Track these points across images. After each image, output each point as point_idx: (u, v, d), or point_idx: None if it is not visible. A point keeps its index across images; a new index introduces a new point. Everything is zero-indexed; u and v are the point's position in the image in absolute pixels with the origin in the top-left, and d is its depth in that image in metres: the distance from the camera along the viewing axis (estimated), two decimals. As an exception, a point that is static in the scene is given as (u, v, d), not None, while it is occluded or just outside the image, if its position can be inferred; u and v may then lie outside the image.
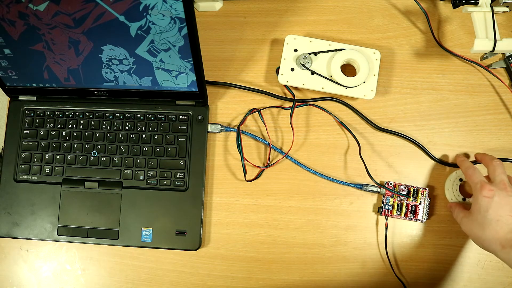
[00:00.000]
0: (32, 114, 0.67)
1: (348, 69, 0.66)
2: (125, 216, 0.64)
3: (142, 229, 0.63)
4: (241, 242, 0.65)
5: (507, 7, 0.61)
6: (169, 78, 0.60)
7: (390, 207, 0.63)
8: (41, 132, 0.66)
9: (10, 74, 0.62)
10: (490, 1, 0.59)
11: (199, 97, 0.64)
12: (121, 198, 0.64)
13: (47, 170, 0.66)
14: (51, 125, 0.66)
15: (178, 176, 0.64)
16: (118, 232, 0.64)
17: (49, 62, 0.60)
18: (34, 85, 0.64)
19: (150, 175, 0.65)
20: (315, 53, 0.64)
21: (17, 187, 0.66)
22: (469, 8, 0.59)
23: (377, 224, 0.64)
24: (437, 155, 0.65)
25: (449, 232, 0.64)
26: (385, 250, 0.63)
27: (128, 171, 0.65)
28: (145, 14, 0.51)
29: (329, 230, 0.65)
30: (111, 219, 0.64)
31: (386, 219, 0.63)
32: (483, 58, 0.64)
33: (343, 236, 0.64)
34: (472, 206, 0.56)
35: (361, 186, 0.64)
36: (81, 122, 0.66)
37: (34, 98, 0.67)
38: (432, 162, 0.65)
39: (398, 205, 0.63)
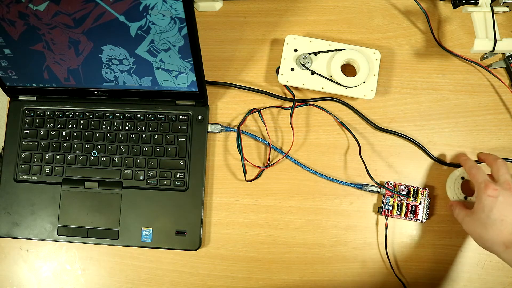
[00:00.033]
0: (32, 114, 0.67)
1: (348, 69, 0.66)
2: (125, 216, 0.64)
3: (142, 229, 0.63)
4: (241, 242, 0.65)
5: (507, 7, 0.61)
6: (169, 78, 0.60)
7: (390, 207, 0.63)
8: (41, 132, 0.66)
9: (10, 74, 0.62)
10: (490, 1, 0.59)
11: (199, 97, 0.64)
12: (121, 198, 0.64)
13: (47, 170, 0.66)
14: (51, 125, 0.66)
15: (178, 176, 0.64)
16: (118, 232, 0.64)
17: (49, 62, 0.60)
18: (34, 85, 0.64)
19: (150, 175, 0.65)
20: (315, 53, 0.64)
21: (17, 187, 0.66)
22: (469, 8, 0.59)
23: (377, 224, 0.64)
24: (437, 155, 0.65)
25: (449, 232, 0.64)
26: (385, 250, 0.63)
27: (128, 171, 0.65)
28: (145, 14, 0.51)
29: (329, 230, 0.65)
30: (111, 219, 0.64)
31: (386, 219, 0.63)
32: (483, 58, 0.64)
33: (343, 236, 0.64)
34: (476, 205, 0.56)
35: (361, 186, 0.64)
36: (81, 122, 0.66)
37: (34, 98, 0.67)
38: (432, 162, 0.65)
39: (398, 205, 0.63)
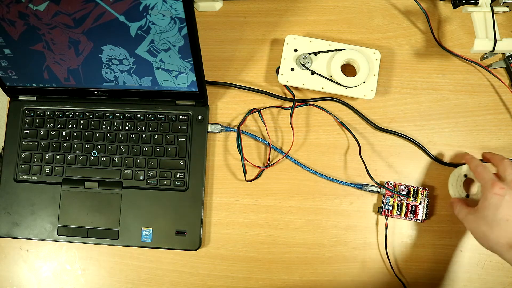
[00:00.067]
0: (32, 114, 0.67)
1: (348, 69, 0.66)
2: (125, 216, 0.64)
3: (142, 229, 0.63)
4: (241, 242, 0.65)
5: (507, 7, 0.61)
6: (169, 78, 0.60)
7: (390, 207, 0.63)
8: (41, 132, 0.66)
9: (10, 74, 0.62)
10: (490, 1, 0.59)
11: (199, 97, 0.64)
12: (121, 198, 0.64)
13: (47, 170, 0.66)
14: (51, 125, 0.66)
15: (178, 176, 0.64)
16: (118, 232, 0.64)
17: (49, 62, 0.60)
18: (34, 85, 0.64)
19: (150, 175, 0.65)
20: (315, 53, 0.64)
21: (17, 187, 0.66)
22: (469, 8, 0.59)
23: (377, 224, 0.64)
24: (437, 155, 0.65)
25: (449, 232, 0.64)
26: (385, 250, 0.63)
27: (128, 171, 0.65)
28: (145, 14, 0.51)
29: (329, 230, 0.65)
30: (111, 219, 0.64)
31: (386, 219, 0.63)
32: (483, 58, 0.64)
33: (343, 236, 0.64)
34: (481, 203, 0.55)
35: (361, 186, 0.64)
36: (81, 122, 0.66)
37: (34, 98, 0.67)
38: (432, 162, 0.65)
39: (398, 205, 0.63)
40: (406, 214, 0.63)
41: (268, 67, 0.68)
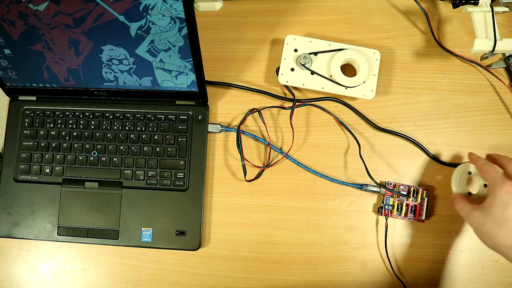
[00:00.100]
0: (32, 114, 0.67)
1: (348, 69, 0.66)
2: (125, 216, 0.64)
3: (142, 229, 0.63)
4: (241, 242, 0.65)
5: (507, 7, 0.61)
6: (169, 78, 0.60)
7: (390, 207, 0.63)
8: (41, 132, 0.66)
9: (10, 74, 0.62)
10: (490, 1, 0.59)
11: (199, 97, 0.64)
12: (121, 198, 0.64)
13: (47, 170, 0.66)
14: (51, 125, 0.66)
15: (178, 176, 0.64)
16: (118, 232, 0.64)
17: (49, 62, 0.60)
18: (34, 85, 0.64)
19: (150, 175, 0.65)
20: (315, 53, 0.64)
21: (17, 187, 0.66)
22: (469, 8, 0.59)
23: (377, 224, 0.64)
24: (437, 155, 0.65)
25: (449, 232, 0.64)
26: (385, 250, 0.63)
27: (128, 171, 0.65)
28: (145, 14, 0.51)
29: (329, 230, 0.65)
30: (111, 219, 0.64)
31: (386, 219, 0.63)
32: (483, 58, 0.64)
33: (343, 236, 0.64)
34: (489, 200, 0.53)
35: (361, 186, 0.64)
36: (81, 122, 0.66)
37: (34, 98, 0.67)
38: (432, 162, 0.65)
39: (398, 205, 0.63)
40: (406, 214, 0.63)
41: (268, 67, 0.68)
